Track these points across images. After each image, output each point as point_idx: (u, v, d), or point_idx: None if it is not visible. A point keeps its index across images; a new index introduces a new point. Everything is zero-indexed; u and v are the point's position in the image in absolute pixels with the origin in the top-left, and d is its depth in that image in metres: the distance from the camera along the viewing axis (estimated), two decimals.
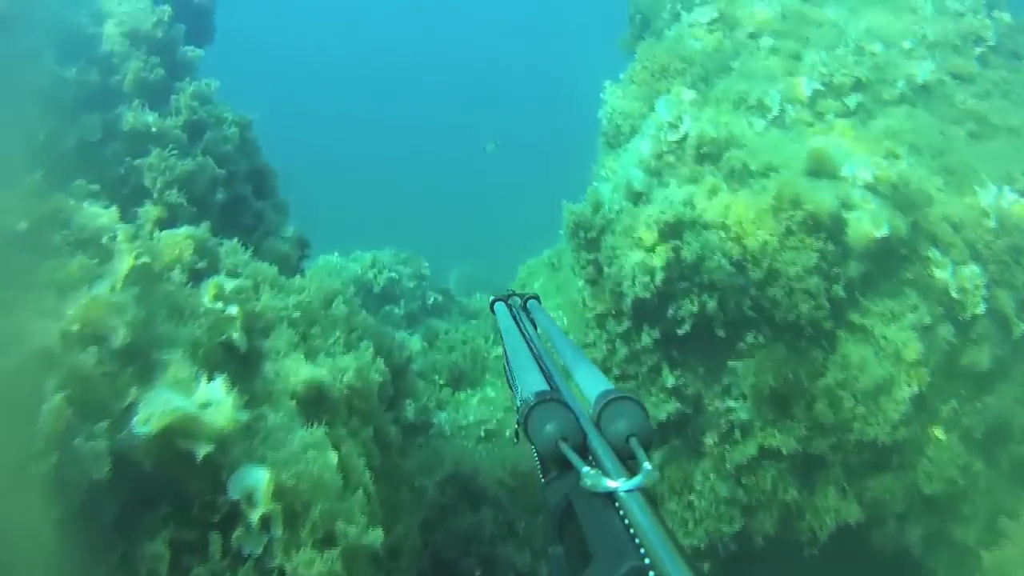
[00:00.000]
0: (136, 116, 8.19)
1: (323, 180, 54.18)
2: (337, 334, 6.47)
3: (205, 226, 6.41)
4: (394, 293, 16.16)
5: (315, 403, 5.56)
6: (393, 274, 16.25)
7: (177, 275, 5.67)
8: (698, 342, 8.97)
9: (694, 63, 11.06)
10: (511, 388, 3.22)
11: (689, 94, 10.20)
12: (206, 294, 5.52)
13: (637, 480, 2.05)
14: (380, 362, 6.43)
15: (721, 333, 8.82)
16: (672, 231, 8.54)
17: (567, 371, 3.20)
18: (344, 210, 43.12)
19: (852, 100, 10.28)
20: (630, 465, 2.22)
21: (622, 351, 9.24)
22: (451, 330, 13.80)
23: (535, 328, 3.83)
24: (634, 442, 2.33)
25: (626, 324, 9.10)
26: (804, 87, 10.31)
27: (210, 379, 4.71)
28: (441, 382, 12.15)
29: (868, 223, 8.56)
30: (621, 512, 1.97)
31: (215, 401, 4.55)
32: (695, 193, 9.06)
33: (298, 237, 9.64)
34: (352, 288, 8.43)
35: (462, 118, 66.31)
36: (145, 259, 5.20)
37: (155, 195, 7.88)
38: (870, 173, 8.97)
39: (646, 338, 8.99)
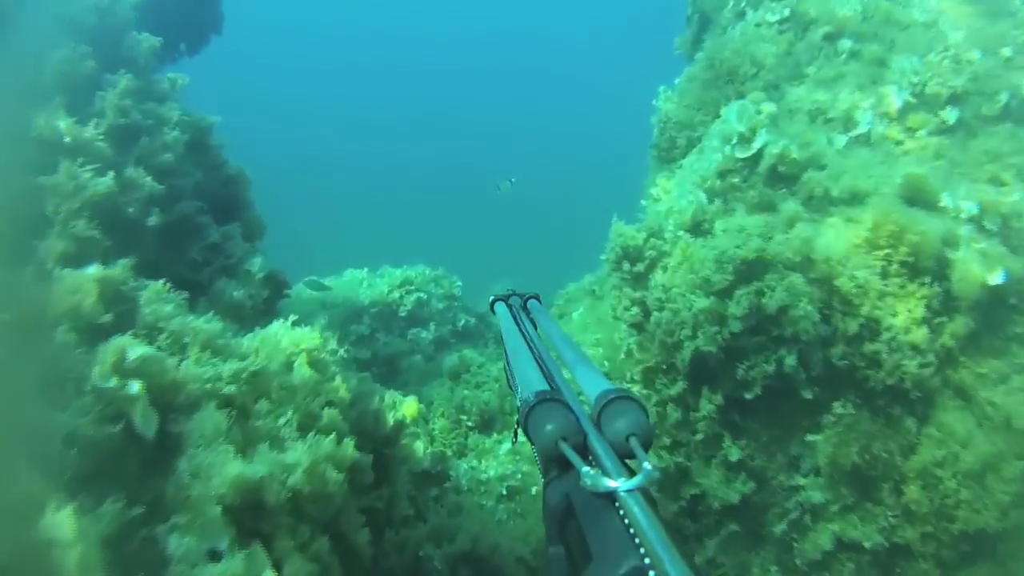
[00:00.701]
0: (47, 121, 6.68)
1: (357, 191, 53.55)
2: (290, 414, 4.90)
3: (125, 264, 4.88)
4: (422, 315, 14.64)
5: (250, 510, 4.04)
6: (422, 294, 14.74)
7: (65, 334, 4.16)
8: (761, 400, 7.30)
9: (762, 67, 9.43)
10: (511, 388, 3.18)
11: (769, 105, 8.47)
12: (101, 363, 3.95)
13: (637, 480, 1.97)
14: (350, 446, 4.88)
15: (807, 395, 7.15)
16: (750, 271, 6.94)
17: (567, 371, 3.06)
18: (378, 222, 42.20)
19: (951, 114, 8.52)
20: (630, 465, 2.18)
21: (674, 415, 7.55)
22: (485, 364, 12.22)
23: (535, 328, 3.71)
24: (634, 442, 2.28)
25: (680, 385, 7.44)
26: (894, 98, 8.58)
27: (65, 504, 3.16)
28: (469, 423, 10.61)
29: (978, 266, 6.88)
30: (621, 512, 1.91)
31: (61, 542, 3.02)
32: (770, 224, 7.37)
33: (268, 274, 8.18)
34: (338, 336, 6.86)
35: (502, 127, 65.37)
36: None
37: (58, 225, 6.33)
38: (975, 204, 7.29)
39: (706, 404, 7.33)
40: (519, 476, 9.63)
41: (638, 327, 7.72)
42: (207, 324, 4.88)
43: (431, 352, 14.02)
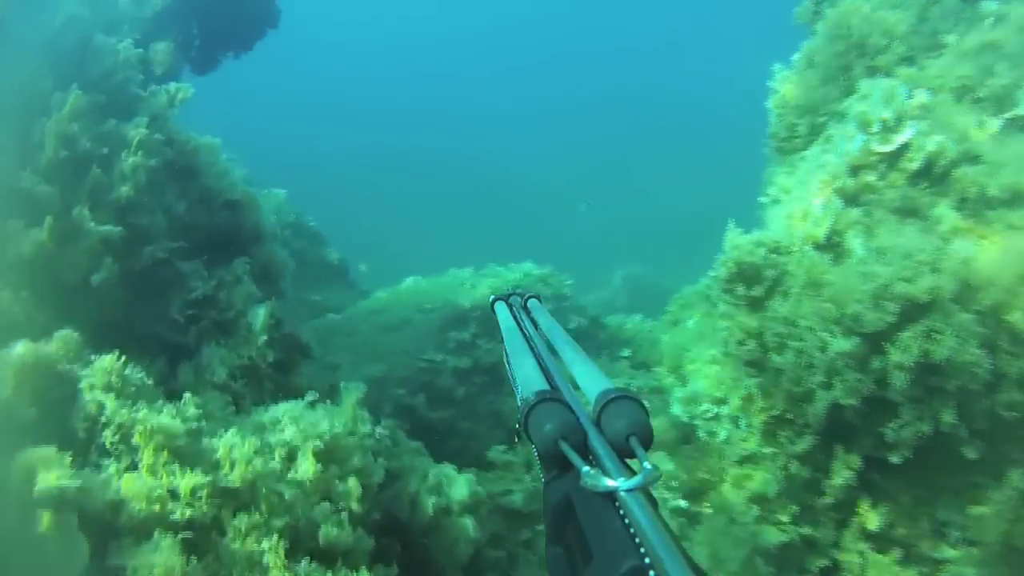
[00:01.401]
0: None
1: (463, 189, 52.89)
2: (275, 538, 3.90)
3: (64, 337, 4.01)
4: None
5: None
6: None
7: None
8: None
9: (894, 37, 7.98)
10: (512, 387, 3.10)
11: (922, 94, 6.95)
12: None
13: (637, 480, 1.93)
14: None
15: (971, 455, 5.69)
16: (915, 310, 5.54)
17: (567, 370, 2.99)
18: (485, 220, 41.39)
19: None
20: (631, 464, 2.15)
21: (800, 474, 6.31)
22: None
23: (536, 328, 3.66)
24: (634, 441, 2.24)
25: (808, 440, 6.13)
26: None
27: None
28: None
29: None
30: (621, 512, 1.88)
31: None
32: (923, 240, 5.82)
33: (277, 327, 6.82)
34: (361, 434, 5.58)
35: (613, 115, 63.55)
36: None
37: None
38: None
39: (841, 470, 6.01)
40: None
41: (757, 366, 6.44)
42: (167, 420, 3.91)
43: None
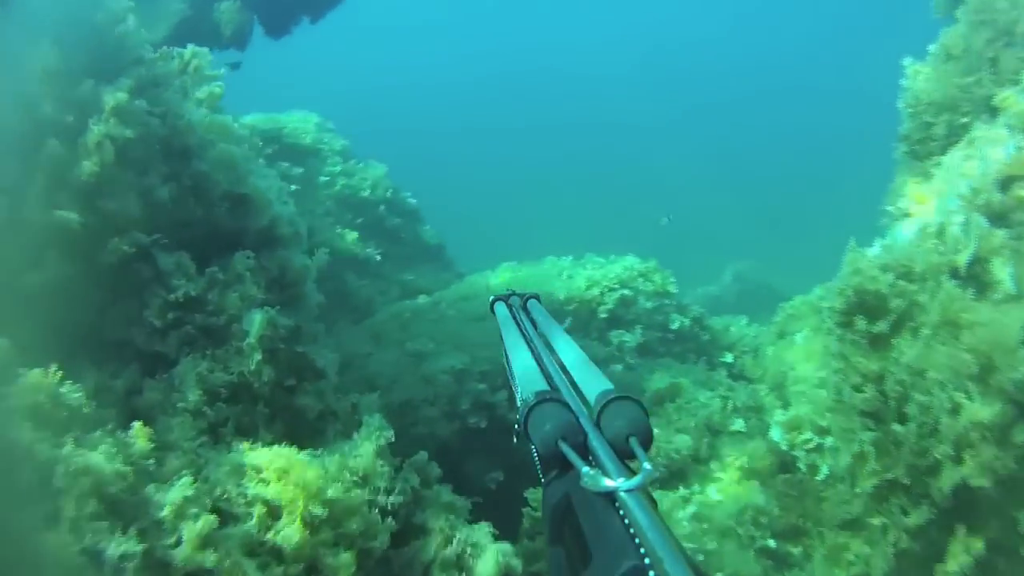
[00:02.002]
0: None
1: (564, 175, 51.67)
2: None
3: None
4: (626, 317, 12.60)
5: None
6: (627, 292, 12.68)
7: None
8: None
9: None
10: (512, 388, 3.08)
11: None
12: None
13: (637, 480, 1.93)
14: None
15: None
16: None
17: (567, 370, 2.98)
18: (587, 209, 40.25)
19: None
20: (630, 465, 2.15)
21: (907, 549, 5.21)
22: (697, 393, 9.98)
23: (535, 328, 3.62)
24: (634, 442, 2.24)
25: (924, 514, 5.03)
26: None
27: None
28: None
29: None
30: (621, 512, 1.88)
31: None
32: None
33: (294, 354, 5.63)
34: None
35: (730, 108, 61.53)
36: None
37: None
38: None
39: (960, 555, 4.88)
40: (705, 548, 7.60)
41: (875, 418, 5.33)
42: (99, 459, 3.10)
43: (634, 361, 12.03)
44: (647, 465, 2.00)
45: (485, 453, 11.17)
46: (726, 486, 8.13)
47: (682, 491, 8.22)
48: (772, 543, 7.38)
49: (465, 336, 12.13)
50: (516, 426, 2.60)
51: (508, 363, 3.32)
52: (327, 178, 15.15)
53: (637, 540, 1.74)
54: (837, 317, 5.53)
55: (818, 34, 64.80)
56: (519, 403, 2.73)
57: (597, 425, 2.35)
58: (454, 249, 16.97)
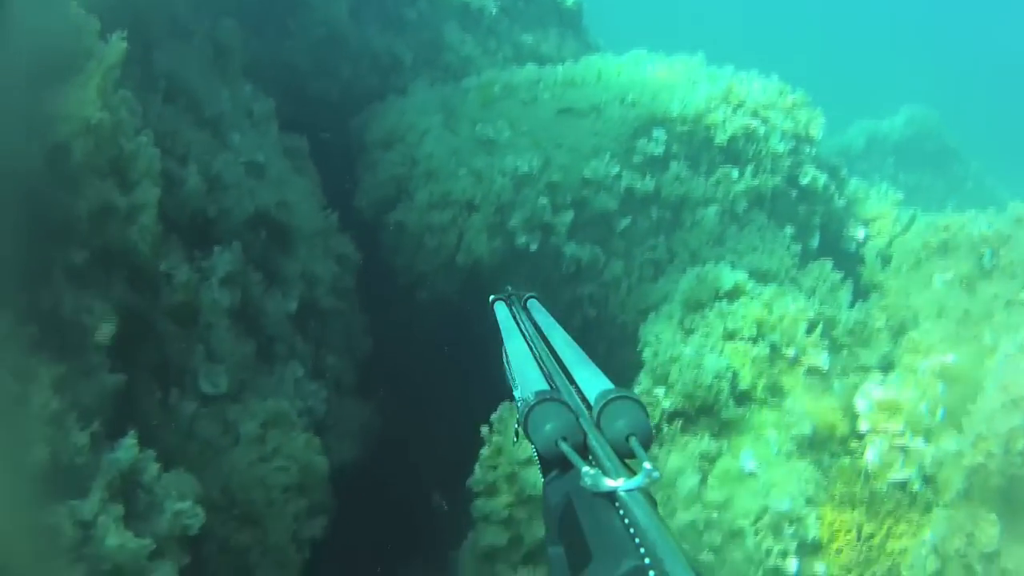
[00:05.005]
0: None
1: None
2: None
3: None
4: (746, 153, 9.36)
5: None
6: (756, 122, 9.42)
7: None
8: None
9: None
10: (511, 388, 3.02)
11: None
12: None
13: (637, 480, 1.91)
14: None
15: None
16: None
17: (567, 371, 2.88)
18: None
19: None
20: (630, 465, 2.11)
21: None
22: (763, 291, 7.05)
23: (535, 327, 3.50)
24: (634, 441, 2.20)
25: None
26: None
27: None
28: (666, 403, 5.92)
29: None
30: (621, 512, 1.85)
31: None
32: None
33: None
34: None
35: None
36: None
37: None
38: None
39: None
40: (719, 527, 5.08)
41: None
42: None
43: (736, 207, 9.11)
44: (647, 465, 1.92)
45: (527, 281, 8.86)
46: (772, 450, 5.50)
47: (700, 440, 5.64)
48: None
49: (550, 131, 9.48)
50: (516, 426, 2.49)
51: (507, 363, 3.20)
52: None
53: (637, 540, 1.67)
54: None
55: None
56: (519, 403, 2.65)
57: (597, 425, 2.29)
58: (592, 16, 13.61)
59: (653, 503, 1.90)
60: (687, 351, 6.15)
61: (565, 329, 3.28)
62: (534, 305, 3.83)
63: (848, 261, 9.01)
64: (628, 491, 1.86)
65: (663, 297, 7.92)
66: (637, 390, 6.30)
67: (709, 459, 5.47)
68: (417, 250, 8.89)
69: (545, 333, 3.34)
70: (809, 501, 4.97)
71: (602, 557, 1.77)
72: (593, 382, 2.60)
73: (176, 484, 4.04)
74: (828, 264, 8.39)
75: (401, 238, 9.01)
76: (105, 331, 3.92)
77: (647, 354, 6.60)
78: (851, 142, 16.99)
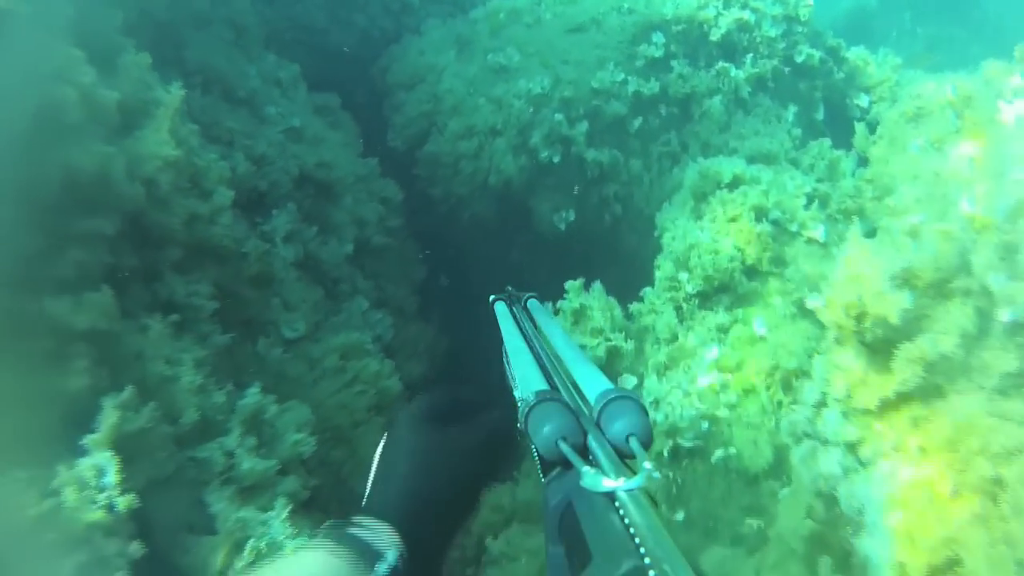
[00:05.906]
0: None
1: None
2: None
3: None
4: (740, 44, 9.85)
5: None
6: (747, 13, 9.86)
7: None
8: None
9: None
10: (511, 387, 2.87)
11: None
12: None
13: (637, 480, 1.81)
14: None
15: None
16: None
17: (567, 370, 2.78)
18: None
19: None
20: (631, 465, 2.04)
21: None
22: (783, 167, 7.67)
23: (535, 326, 3.40)
24: (634, 441, 2.08)
25: None
26: None
27: None
28: (689, 287, 6.63)
29: None
30: (621, 512, 1.74)
31: None
32: None
33: None
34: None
35: None
36: None
37: None
38: None
39: None
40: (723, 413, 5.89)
41: None
42: None
43: (733, 97, 9.67)
44: (647, 465, 1.86)
45: (554, 190, 9.66)
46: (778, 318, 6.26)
47: (718, 315, 6.43)
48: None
49: (555, 50, 10.03)
50: (517, 426, 2.41)
51: (507, 362, 3.11)
52: None
53: (637, 540, 1.58)
54: None
55: None
56: (518, 403, 2.49)
57: (597, 425, 2.20)
58: None
59: (653, 503, 1.85)
60: (703, 237, 6.86)
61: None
62: (534, 305, 3.79)
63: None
64: (628, 491, 1.80)
65: (679, 185, 8.57)
66: (659, 275, 7.02)
67: (724, 330, 6.27)
68: (453, 177, 9.61)
69: (545, 333, 3.30)
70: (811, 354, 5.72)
71: (602, 558, 1.72)
72: (593, 382, 2.54)
73: (294, 418, 5.00)
74: (827, 142, 8.84)
75: (436, 169, 9.73)
76: (209, 307, 4.95)
77: (666, 239, 7.28)
78: (864, 1, 16.91)
